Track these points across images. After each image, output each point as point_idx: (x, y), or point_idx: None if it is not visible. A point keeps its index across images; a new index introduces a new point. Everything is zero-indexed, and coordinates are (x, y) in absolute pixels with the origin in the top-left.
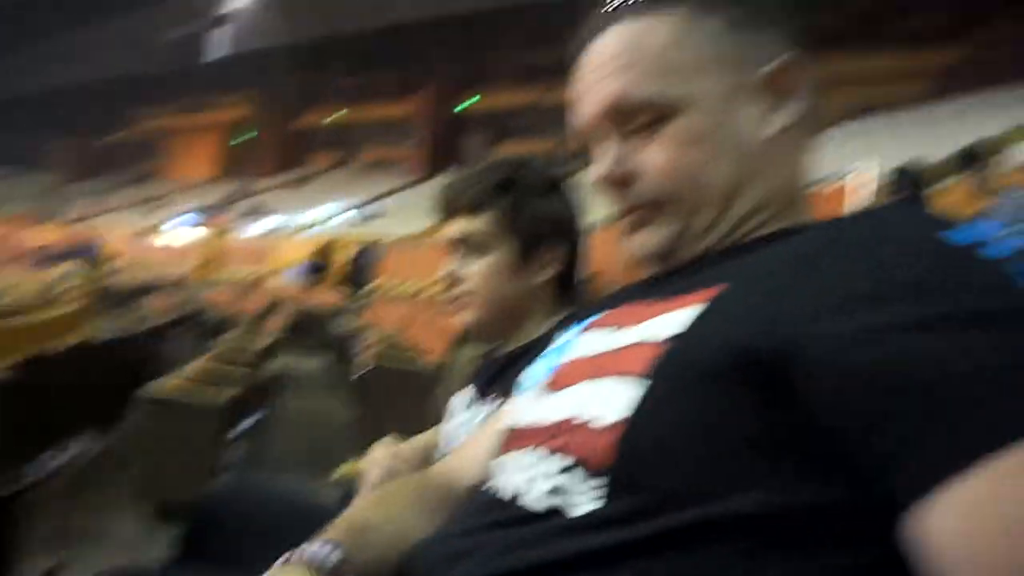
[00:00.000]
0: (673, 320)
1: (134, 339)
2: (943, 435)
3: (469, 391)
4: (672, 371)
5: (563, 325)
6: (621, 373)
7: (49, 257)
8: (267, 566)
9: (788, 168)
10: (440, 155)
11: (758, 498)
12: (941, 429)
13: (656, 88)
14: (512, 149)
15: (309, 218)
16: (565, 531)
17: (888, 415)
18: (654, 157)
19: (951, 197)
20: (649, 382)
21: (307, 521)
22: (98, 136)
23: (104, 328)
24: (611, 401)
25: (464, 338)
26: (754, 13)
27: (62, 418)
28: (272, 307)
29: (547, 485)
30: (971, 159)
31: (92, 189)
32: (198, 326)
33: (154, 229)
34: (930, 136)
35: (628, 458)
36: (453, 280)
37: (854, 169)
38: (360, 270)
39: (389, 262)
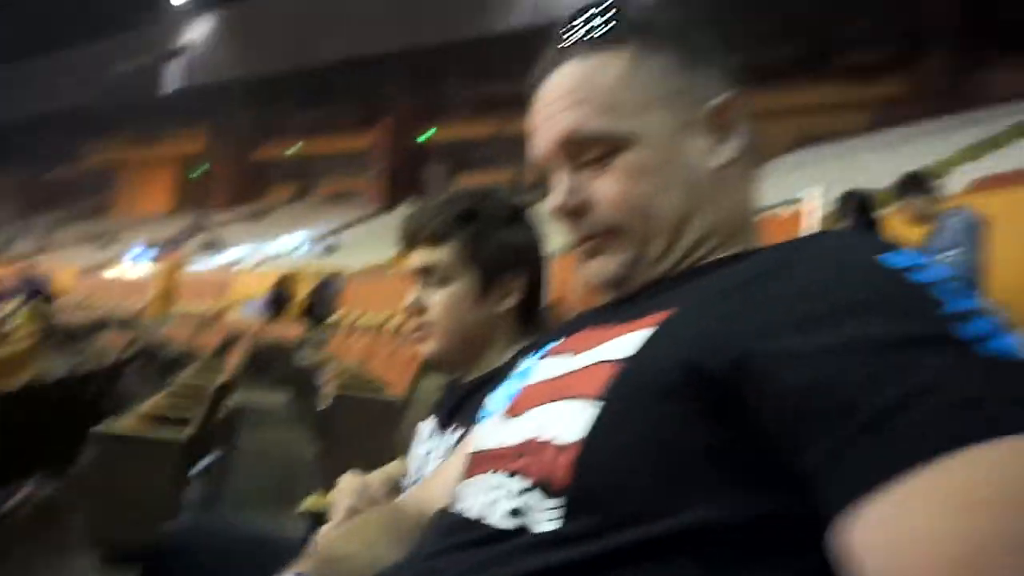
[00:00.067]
0: (625, 343)
1: (87, 377)
2: (864, 453)
3: (433, 419)
4: (625, 392)
5: (525, 353)
6: (576, 396)
7: None
8: None
9: (734, 197)
10: (399, 186)
11: (711, 512)
12: (862, 447)
13: (606, 123)
14: (471, 180)
15: (268, 251)
16: (528, 549)
17: (816, 432)
18: (606, 188)
19: (894, 222)
20: (603, 403)
21: (269, 559)
22: (48, 169)
23: (56, 366)
24: (567, 423)
25: (427, 368)
26: (697, 54)
27: (13, 459)
28: (231, 341)
29: (508, 506)
30: (912, 185)
31: (42, 224)
32: (154, 362)
33: (107, 264)
34: (874, 164)
35: (584, 478)
36: (415, 310)
37: (804, 196)
38: (321, 302)
39: (350, 294)
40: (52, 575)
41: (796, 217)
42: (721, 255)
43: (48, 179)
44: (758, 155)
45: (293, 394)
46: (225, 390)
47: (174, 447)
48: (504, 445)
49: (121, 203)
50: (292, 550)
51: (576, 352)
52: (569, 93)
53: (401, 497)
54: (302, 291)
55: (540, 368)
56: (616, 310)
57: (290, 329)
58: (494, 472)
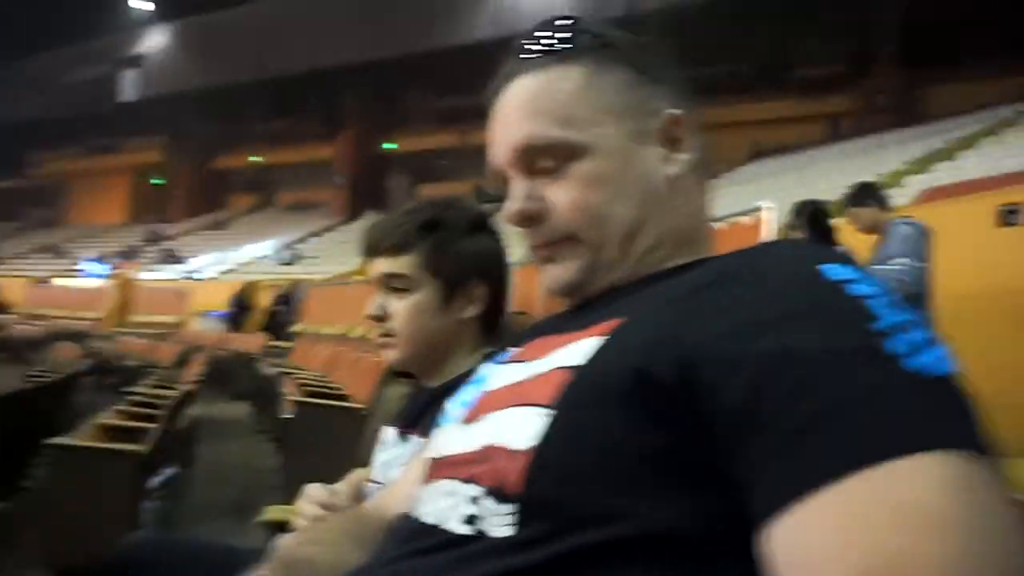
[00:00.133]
0: (577, 350)
1: (40, 389)
2: (784, 463)
3: (396, 426)
4: (576, 399)
5: (485, 361)
6: (530, 402)
7: None
8: None
9: (687, 207)
10: (361, 197)
11: (661, 516)
12: (784, 458)
13: (561, 132)
14: (434, 191)
15: (229, 261)
16: (484, 554)
17: (746, 441)
18: (561, 196)
19: (846, 231)
20: (555, 410)
21: (228, 569)
22: (0, 179)
23: (7, 378)
24: (520, 430)
25: (390, 377)
26: (650, 70)
27: None
28: (190, 352)
29: (464, 512)
30: (862, 195)
31: None
32: (111, 374)
33: (60, 275)
34: (827, 175)
35: (536, 484)
36: (378, 318)
37: (756, 207)
38: (283, 312)
39: (313, 304)
40: None
41: (757, 225)
42: (674, 264)
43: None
44: (710, 167)
45: (255, 405)
46: (184, 402)
47: (131, 460)
48: (461, 451)
49: (76, 213)
50: (252, 559)
51: (531, 359)
52: (526, 104)
53: (365, 504)
54: (263, 301)
55: (497, 375)
56: (570, 318)
57: (251, 340)
58: (450, 478)
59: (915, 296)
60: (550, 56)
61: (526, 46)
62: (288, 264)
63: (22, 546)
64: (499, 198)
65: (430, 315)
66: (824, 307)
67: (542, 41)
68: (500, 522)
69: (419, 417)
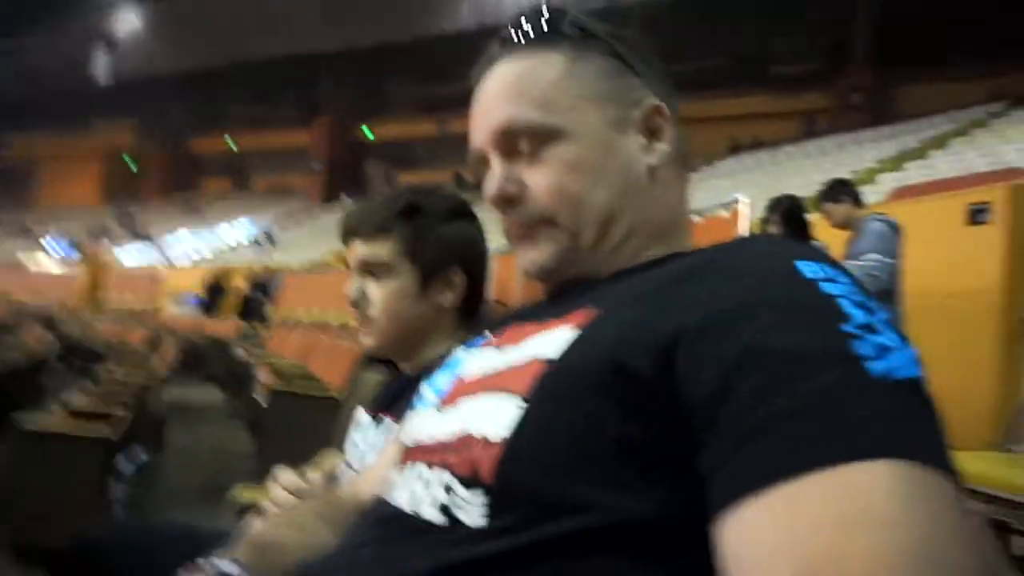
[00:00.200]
0: (552, 340)
1: (7, 371)
2: (743, 458)
3: (371, 411)
4: (550, 389)
5: (461, 347)
6: (504, 391)
7: None
8: None
9: (664, 198)
10: (338, 184)
11: (633, 507)
12: (740, 454)
13: (542, 116)
14: (412, 179)
15: (203, 245)
16: (455, 541)
17: (709, 436)
18: (539, 179)
19: (819, 226)
20: (528, 401)
21: (196, 552)
22: None
23: None
24: (494, 419)
25: (366, 364)
26: (630, 60)
27: None
28: (162, 336)
29: (436, 499)
30: (836, 192)
31: None
32: (80, 358)
33: (29, 257)
34: (800, 171)
35: (509, 473)
36: (355, 303)
37: (733, 200)
38: (257, 298)
39: (288, 290)
40: None
41: (733, 218)
42: (651, 256)
43: None
44: (688, 160)
45: (228, 390)
46: (155, 386)
47: (100, 444)
48: (434, 438)
49: (46, 195)
50: (222, 541)
51: (506, 347)
52: (507, 87)
53: (337, 487)
54: (238, 287)
55: (471, 362)
56: (547, 306)
57: (226, 325)
58: (424, 464)
59: (886, 292)
60: (533, 43)
61: (509, 33)
62: (263, 249)
63: None
64: (479, 187)
65: (408, 301)
66: (796, 305)
67: (525, 28)
68: (472, 510)
69: (394, 401)
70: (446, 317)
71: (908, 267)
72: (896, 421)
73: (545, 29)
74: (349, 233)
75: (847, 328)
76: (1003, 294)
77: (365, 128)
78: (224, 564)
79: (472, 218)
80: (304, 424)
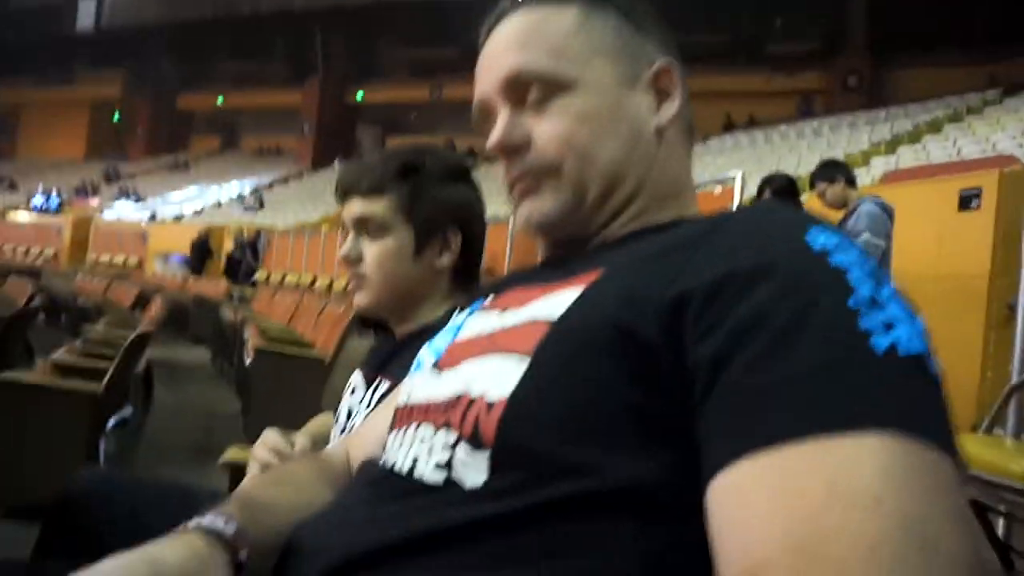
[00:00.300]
0: (556, 302)
1: None
2: (738, 422)
3: (362, 372)
4: (553, 350)
5: (458, 310)
6: (507, 351)
7: None
8: None
9: (671, 161)
10: (329, 146)
11: (635, 470)
12: (738, 416)
13: (553, 64)
14: (403, 144)
15: (191, 204)
16: (455, 502)
17: (707, 401)
18: (547, 127)
19: (813, 205)
20: (532, 361)
21: (184, 509)
22: None
23: None
24: (497, 379)
25: (355, 328)
26: (640, 18)
27: None
28: (148, 295)
29: (436, 459)
30: (830, 172)
31: None
32: (65, 314)
33: (11, 209)
34: (795, 150)
35: (511, 434)
36: (350, 261)
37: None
38: (245, 259)
39: (275, 252)
40: None
41: (728, 195)
42: (656, 220)
43: None
44: (694, 130)
45: (215, 350)
46: (141, 343)
47: (86, 399)
48: (434, 399)
49: (29, 146)
50: (211, 500)
51: (506, 309)
52: (519, 36)
53: (328, 448)
54: (226, 246)
55: (471, 324)
56: (548, 270)
57: (213, 285)
58: (424, 425)
59: None
60: None
61: None
62: (251, 210)
63: None
64: (472, 154)
65: (403, 261)
66: (802, 276)
67: None
68: (473, 470)
69: (386, 363)
70: (441, 279)
71: (897, 249)
72: (895, 395)
73: None
74: (346, 190)
75: (852, 301)
76: (991, 279)
77: (357, 92)
78: (215, 522)
79: (470, 181)
80: (291, 385)
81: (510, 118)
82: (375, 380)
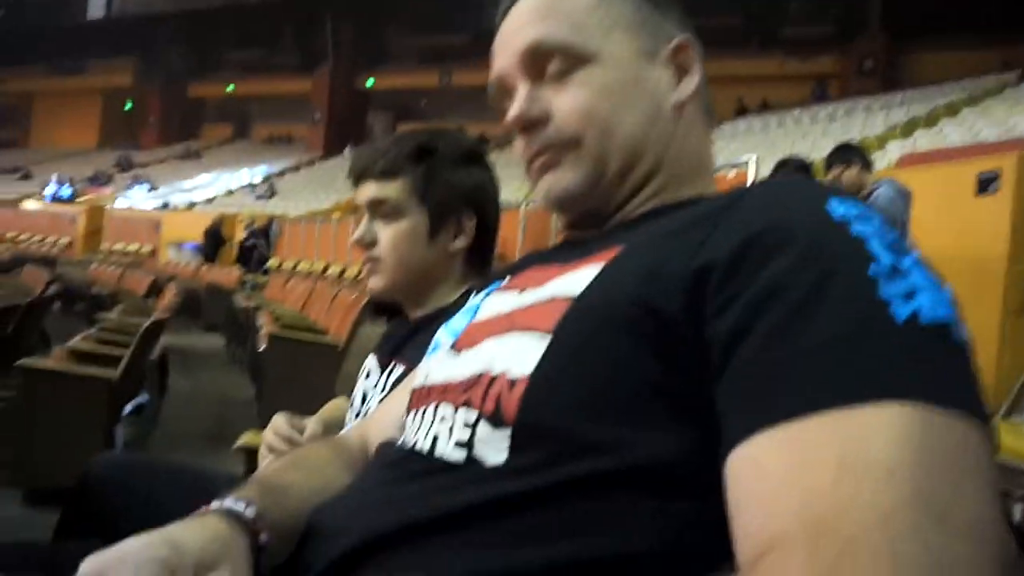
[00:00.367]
0: (577, 279)
1: (7, 311)
2: (757, 394)
3: (377, 356)
4: (575, 327)
5: (473, 293)
6: (528, 329)
7: None
8: None
9: (690, 138)
10: (339, 134)
11: (657, 447)
12: (757, 389)
13: (573, 36)
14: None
15: (203, 192)
16: (476, 480)
17: (729, 370)
18: (566, 100)
19: None
20: (554, 338)
21: (201, 493)
22: None
23: None
24: (518, 357)
25: (368, 315)
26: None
27: None
28: (161, 283)
29: (457, 438)
30: (845, 155)
31: None
32: (80, 301)
33: (26, 198)
34: (809, 135)
35: (532, 411)
36: (364, 244)
37: (741, 161)
38: (258, 246)
39: (287, 239)
40: None
41: (741, 179)
42: (674, 199)
43: None
44: (713, 111)
45: (229, 337)
46: (156, 330)
47: (103, 386)
48: (453, 378)
49: (41, 135)
50: (227, 484)
51: (524, 289)
52: (536, 11)
53: (344, 431)
54: (238, 234)
55: (488, 305)
56: (566, 250)
57: (226, 272)
58: (444, 404)
59: None
60: None
61: None
62: (264, 198)
63: None
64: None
65: (417, 244)
66: (823, 246)
67: None
68: (494, 448)
69: (400, 347)
70: (456, 263)
71: (914, 233)
72: (914, 364)
73: None
74: (360, 173)
75: (873, 270)
76: (1009, 263)
77: (367, 79)
78: (235, 505)
79: (485, 164)
80: (304, 371)
81: (529, 92)
82: (389, 364)
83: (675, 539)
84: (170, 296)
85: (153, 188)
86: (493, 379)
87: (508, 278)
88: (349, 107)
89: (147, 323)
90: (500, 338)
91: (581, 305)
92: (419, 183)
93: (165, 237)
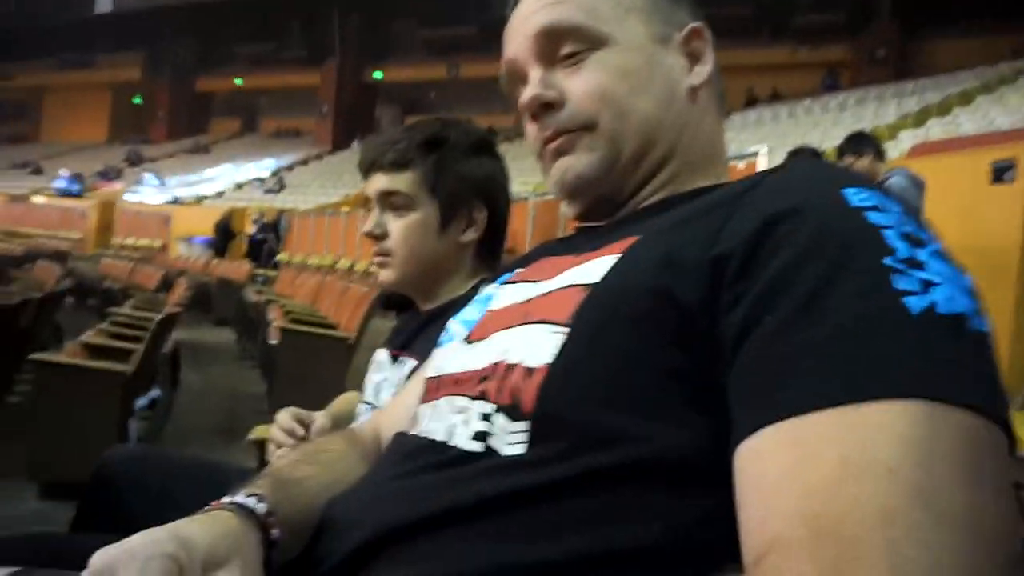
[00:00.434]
0: (593, 268)
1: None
2: (765, 388)
3: (389, 349)
4: (592, 316)
5: (485, 283)
6: (544, 320)
7: None
8: None
9: (702, 125)
10: (347, 127)
11: (675, 438)
12: (765, 382)
13: (586, 18)
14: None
15: (213, 186)
16: (493, 471)
17: (738, 364)
18: (580, 83)
19: None
20: (571, 328)
21: (215, 486)
22: None
23: None
24: (535, 346)
25: (379, 308)
26: None
27: None
28: (172, 277)
29: (474, 429)
30: (858, 144)
31: None
32: (92, 296)
33: (36, 193)
34: (820, 125)
35: (550, 402)
36: (374, 237)
37: (752, 152)
38: (267, 240)
39: (297, 233)
40: None
41: (751, 170)
42: (687, 187)
43: None
44: (724, 96)
45: (239, 331)
46: (168, 325)
47: (117, 379)
48: (468, 369)
49: (51, 129)
50: (240, 477)
51: (538, 279)
52: None
53: (356, 423)
54: (248, 229)
55: (502, 295)
56: (580, 240)
57: (237, 266)
58: (459, 395)
59: None
60: None
61: None
62: (273, 192)
63: (6, 458)
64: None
65: (428, 235)
66: (837, 235)
67: None
68: (511, 440)
69: (411, 340)
70: (467, 255)
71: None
72: (925, 359)
73: None
74: (370, 165)
75: (888, 261)
76: (1022, 253)
77: (374, 72)
78: (247, 500)
79: (495, 154)
80: (315, 364)
81: (543, 75)
82: (400, 357)
83: (689, 533)
84: (181, 290)
85: (163, 182)
86: (508, 369)
87: (520, 269)
88: (357, 100)
89: (159, 317)
90: (515, 328)
91: (599, 295)
92: (430, 174)
93: (175, 231)
